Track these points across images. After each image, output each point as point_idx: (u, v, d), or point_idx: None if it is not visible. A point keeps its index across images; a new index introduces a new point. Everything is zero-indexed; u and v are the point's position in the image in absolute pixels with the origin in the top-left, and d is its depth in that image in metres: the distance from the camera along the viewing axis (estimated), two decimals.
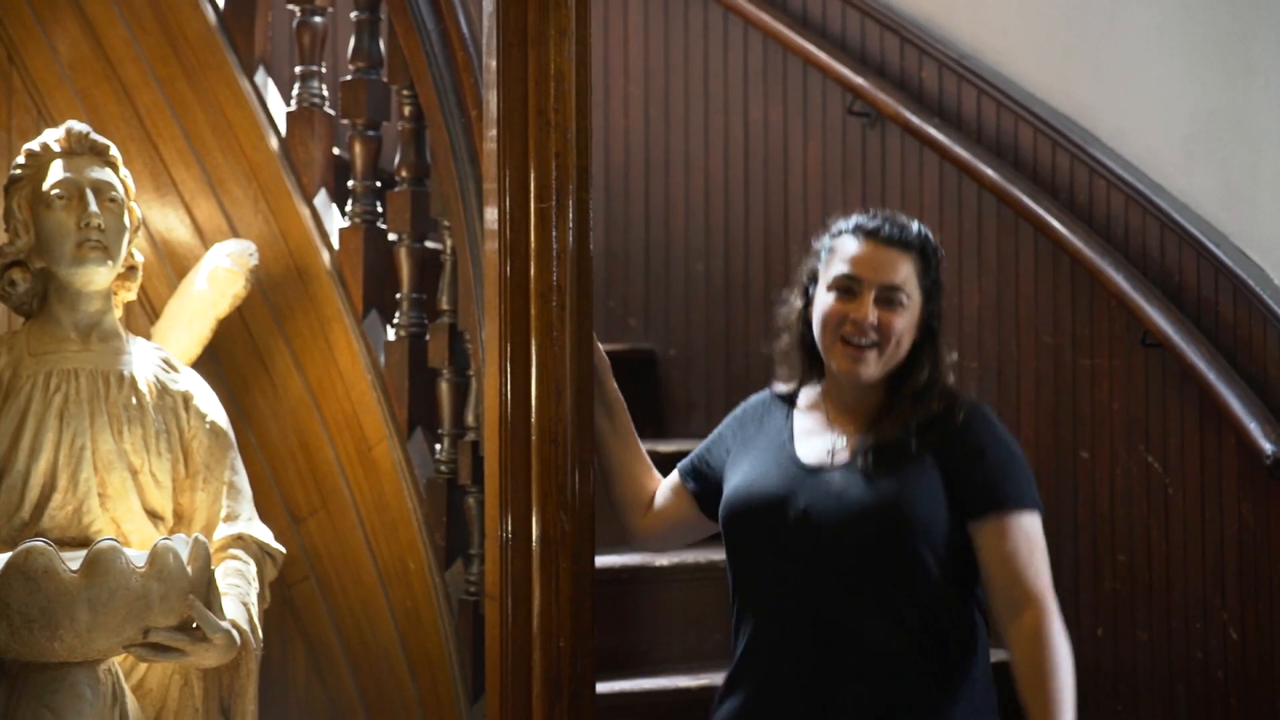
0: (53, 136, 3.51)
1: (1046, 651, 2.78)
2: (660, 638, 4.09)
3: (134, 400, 3.48)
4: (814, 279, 2.96)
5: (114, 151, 3.54)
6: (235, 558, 3.46)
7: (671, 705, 3.83)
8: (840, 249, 2.91)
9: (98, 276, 3.46)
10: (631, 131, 5.07)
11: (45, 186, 3.46)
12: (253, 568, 3.46)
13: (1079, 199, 4.25)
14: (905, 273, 2.88)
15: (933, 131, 4.42)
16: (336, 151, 4.10)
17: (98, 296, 3.50)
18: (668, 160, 5.00)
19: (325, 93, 4.05)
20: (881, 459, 2.83)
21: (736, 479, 2.95)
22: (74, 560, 3.10)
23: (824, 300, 2.90)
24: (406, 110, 3.89)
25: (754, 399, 3.08)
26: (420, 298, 3.90)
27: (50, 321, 3.49)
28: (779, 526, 2.84)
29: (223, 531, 3.49)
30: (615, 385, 3.16)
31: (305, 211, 3.96)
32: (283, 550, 3.55)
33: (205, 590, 3.19)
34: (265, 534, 3.54)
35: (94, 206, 3.43)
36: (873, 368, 2.87)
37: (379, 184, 3.99)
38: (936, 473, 2.81)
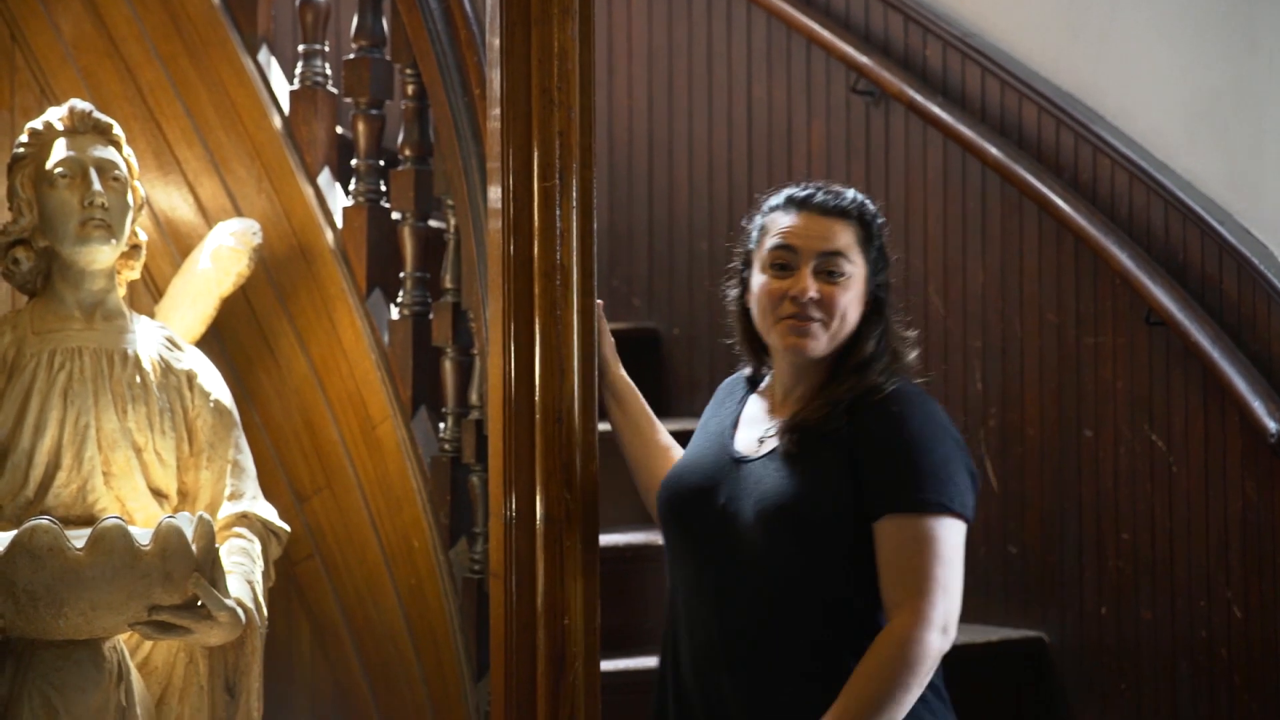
0: (56, 115, 3.51)
1: (893, 656, 2.45)
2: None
3: (138, 379, 3.48)
4: (748, 263, 2.76)
5: (117, 130, 3.54)
6: (240, 536, 3.46)
7: None
8: (772, 224, 2.70)
9: (101, 255, 3.46)
10: (635, 110, 5.06)
11: (48, 165, 3.45)
12: (257, 546, 3.47)
13: (1083, 177, 4.24)
14: (844, 240, 2.65)
15: (936, 110, 4.41)
16: (340, 130, 4.10)
17: (101, 275, 3.49)
18: (671, 139, 4.99)
19: (328, 71, 4.05)
20: (802, 446, 2.60)
21: (674, 466, 2.81)
22: (79, 538, 3.10)
23: (759, 280, 2.68)
24: (410, 89, 3.89)
25: (728, 380, 2.92)
26: (424, 276, 3.90)
27: (54, 300, 3.49)
28: (701, 520, 2.66)
29: (227, 510, 3.49)
30: (624, 373, 3.04)
31: (309, 190, 3.96)
32: (287, 528, 3.55)
33: (210, 568, 3.19)
34: (270, 512, 3.54)
35: (97, 185, 3.43)
36: (819, 342, 2.63)
37: (382, 163, 3.98)
38: (847, 463, 2.56)
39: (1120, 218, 4.17)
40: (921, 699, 2.52)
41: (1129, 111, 4.25)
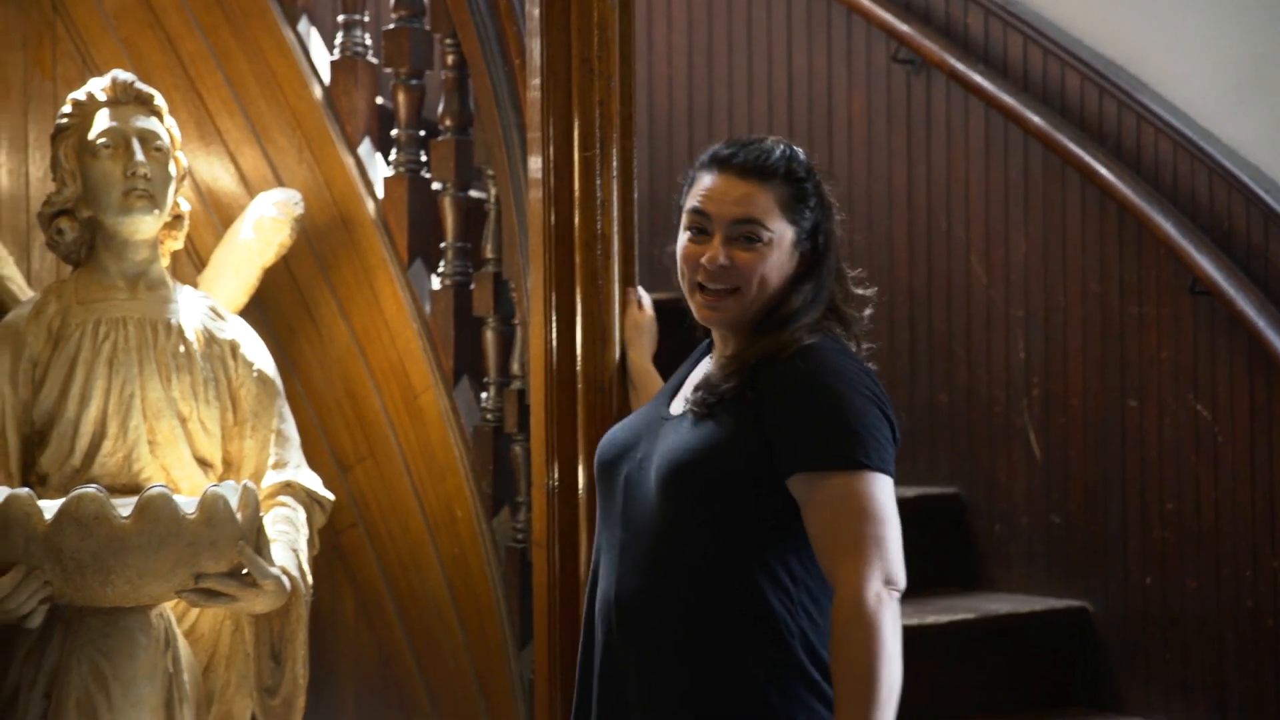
0: (98, 85, 3.52)
1: (853, 628, 2.31)
2: None
3: (182, 349, 3.49)
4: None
5: (159, 100, 3.54)
6: (284, 505, 3.48)
7: None
8: (697, 183, 2.55)
9: (144, 225, 3.47)
10: (675, 80, 5.05)
11: (91, 136, 3.46)
12: (301, 514, 3.48)
13: (1126, 145, 4.21)
14: (763, 205, 2.49)
15: (978, 79, 4.38)
16: (380, 100, 4.09)
17: (144, 245, 3.51)
18: (711, 109, 4.97)
19: (368, 41, 4.05)
20: (709, 406, 2.47)
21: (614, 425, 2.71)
22: (125, 507, 3.12)
23: (680, 241, 2.56)
24: (449, 59, 3.88)
25: (701, 346, 2.77)
26: (465, 246, 3.90)
27: (98, 270, 3.51)
28: (616, 477, 2.55)
29: (271, 479, 3.51)
30: (648, 363, 2.95)
31: (349, 160, 3.96)
32: (331, 497, 3.57)
33: (254, 537, 3.21)
34: (314, 481, 3.55)
35: (140, 155, 3.44)
36: (731, 314, 2.51)
37: (423, 133, 3.98)
38: (753, 423, 2.43)
39: (1164, 186, 4.14)
40: (809, 708, 2.41)
41: (1172, 78, 4.22)
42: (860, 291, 2.58)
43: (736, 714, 2.40)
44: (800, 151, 2.56)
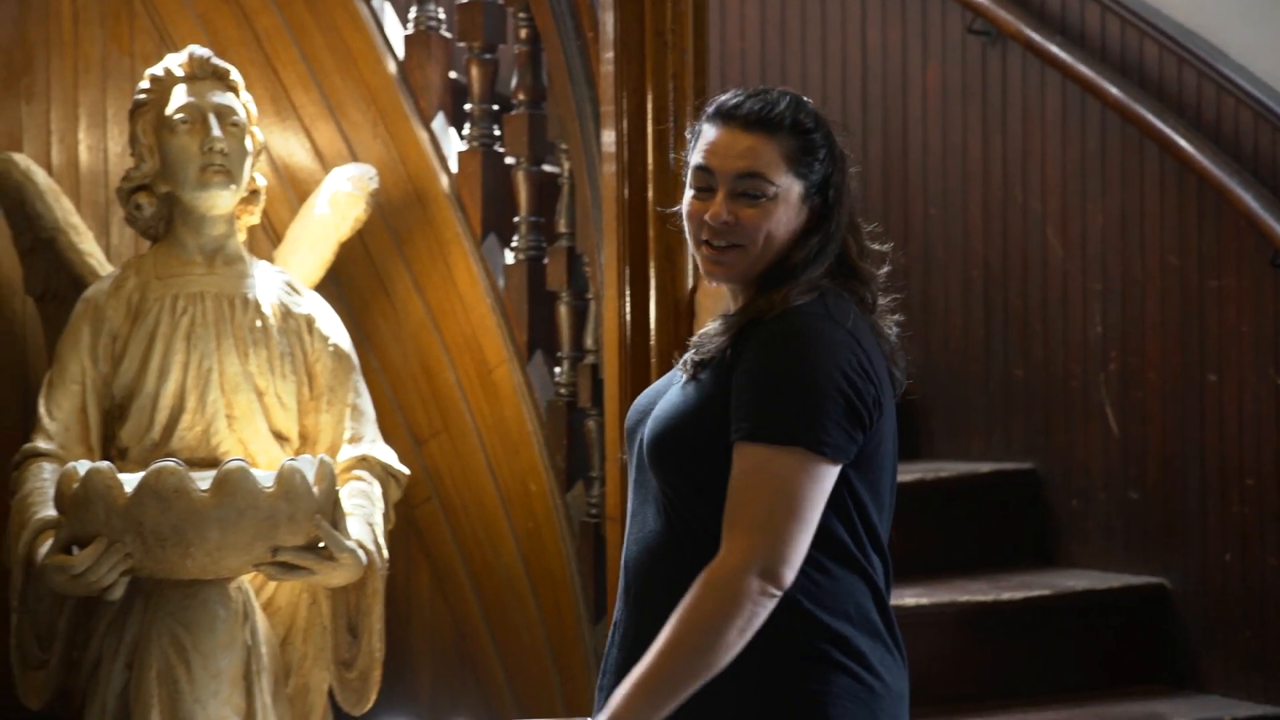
0: (175, 61, 3.54)
1: (698, 596, 2.19)
2: None
3: (259, 323, 3.52)
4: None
5: (235, 76, 3.56)
6: (359, 479, 3.50)
7: None
8: (701, 138, 2.42)
9: (221, 200, 3.49)
10: (748, 53, 5.03)
11: (168, 111, 3.49)
12: (377, 489, 3.50)
13: (1206, 116, 4.16)
14: (767, 158, 2.36)
15: (1055, 50, 4.33)
16: (453, 75, 4.10)
17: (221, 220, 3.53)
18: (784, 82, 4.95)
19: (442, 16, 4.05)
20: (698, 365, 2.36)
21: None
22: (203, 480, 3.15)
23: (686, 197, 2.43)
24: (523, 33, 3.88)
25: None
26: (538, 221, 3.90)
27: (176, 245, 3.54)
28: (635, 445, 2.43)
29: (347, 453, 3.53)
30: None
31: (423, 135, 3.97)
32: (406, 471, 3.58)
33: (331, 510, 3.23)
34: (389, 455, 3.57)
35: (217, 131, 3.46)
36: (737, 269, 2.38)
37: (496, 107, 3.98)
38: (727, 388, 2.31)
39: (1245, 157, 4.08)
40: (835, 679, 2.25)
41: (1252, 49, 4.16)
42: (877, 247, 2.45)
43: (736, 687, 2.26)
44: (809, 101, 2.43)
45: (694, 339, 2.39)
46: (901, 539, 4.14)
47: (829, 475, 2.23)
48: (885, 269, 2.44)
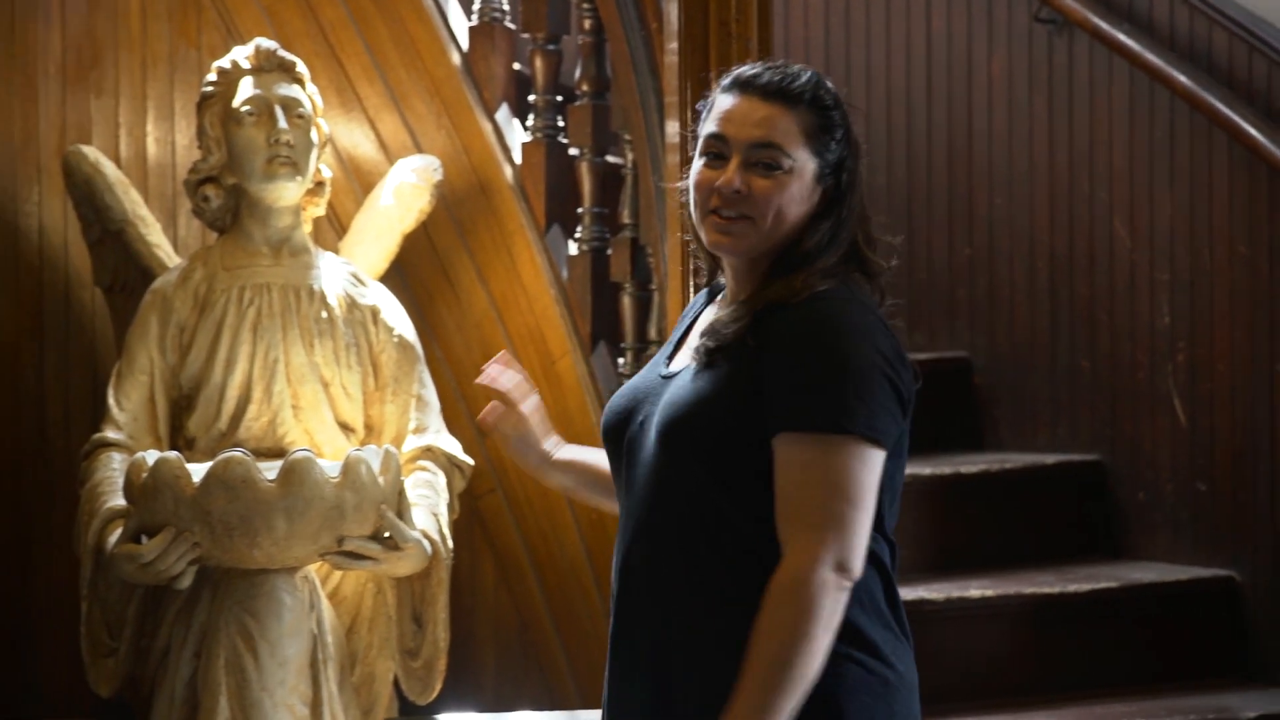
0: (242, 54, 3.56)
1: (784, 604, 2.12)
2: None
3: (324, 314, 3.54)
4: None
5: (301, 68, 3.58)
6: (424, 469, 3.51)
7: None
8: (716, 107, 2.32)
9: (287, 192, 3.51)
10: (811, 42, 5.01)
11: (235, 103, 3.51)
12: (442, 479, 3.51)
13: (1276, 104, 4.11)
14: (784, 129, 2.27)
15: (1122, 38, 4.30)
16: (517, 66, 4.11)
17: (288, 212, 3.55)
18: (848, 71, 4.93)
19: (506, 7, 4.06)
20: (714, 357, 2.25)
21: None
22: (270, 470, 3.17)
23: (695, 167, 2.32)
24: (587, 23, 3.88)
25: (697, 296, 2.52)
26: (602, 212, 3.90)
27: (242, 237, 3.56)
28: (622, 440, 2.33)
29: (412, 443, 3.54)
30: (559, 449, 2.54)
31: (487, 126, 3.98)
32: (471, 462, 3.59)
33: (396, 501, 3.24)
34: (454, 446, 3.58)
35: (283, 123, 3.48)
36: (746, 241, 2.28)
37: (559, 98, 3.99)
38: (754, 374, 2.22)
39: None
40: (848, 671, 2.19)
41: None
42: (887, 239, 2.36)
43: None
44: (829, 80, 2.34)
45: (706, 326, 2.30)
46: (966, 530, 4.17)
47: (880, 461, 2.19)
48: (894, 262, 2.35)
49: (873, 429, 2.16)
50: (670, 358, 2.39)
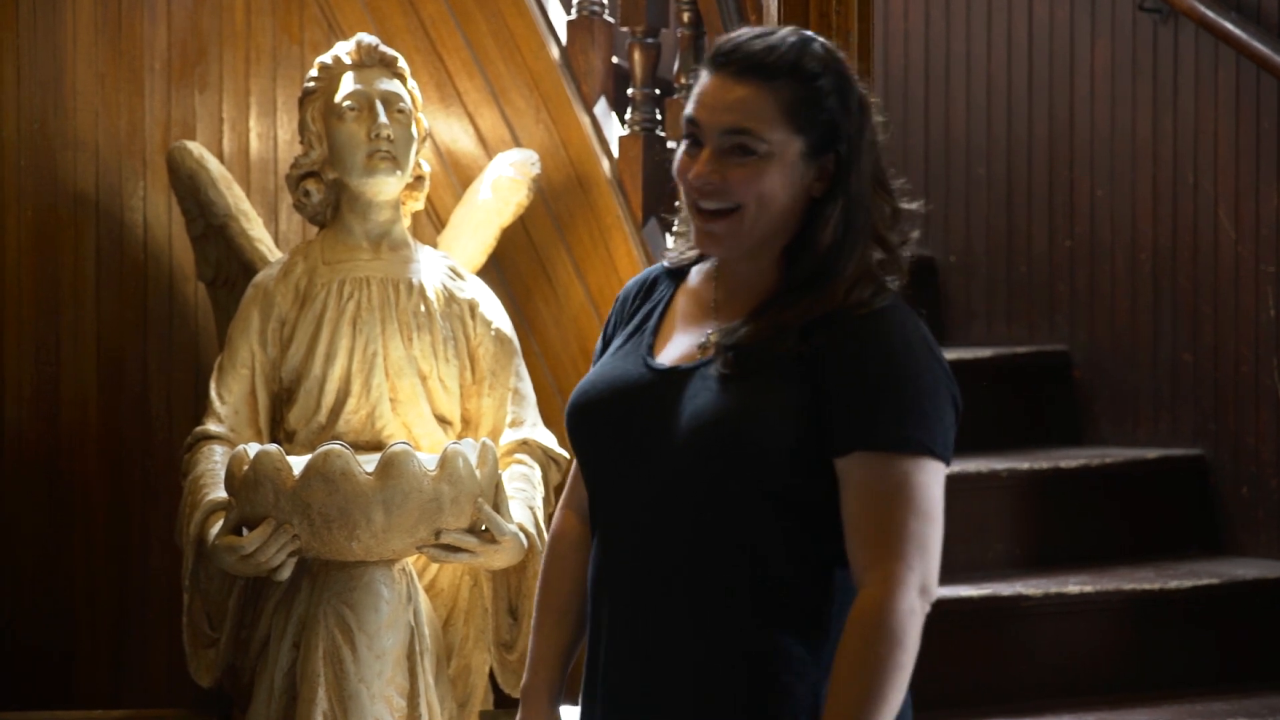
0: (343, 49, 3.60)
1: (874, 635, 2.02)
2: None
3: (422, 308, 3.56)
4: None
5: (402, 63, 3.61)
6: (521, 463, 3.53)
7: (955, 615, 3.77)
8: (695, 85, 2.14)
9: (387, 186, 3.54)
10: (911, 34, 4.98)
11: (337, 99, 3.54)
12: (538, 472, 3.53)
13: None
14: (758, 111, 2.07)
15: (1229, 26, 4.24)
16: (615, 60, 4.11)
17: (387, 206, 3.58)
18: (948, 62, 4.90)
19: (604, 1, 4.06)
20: (747, 360, 2.10)
21: (581, 382, 2.25)
22: (369, 463, 3.20)
23: (678, 151, 2.15)
24: (685, 17, 3.88)
25: (636, 278, 2.32)
26: None
27: (342, 231, 3.60)
28: (611, 439, 2.16)
29: (508, 437, 3.56)
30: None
31: (585, 120, 3.99)
32: (566, 455, 3.61)
33: (493, 494, 3.27)
34: (549, 439, 3.60)
35: (384, 118, 3.51)
36: (733, 241, 2.11)
37: (658, 92, 3.99)
38: (809, 388, 2.08)
39: None
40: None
41: None
42: (907, 205, 2.17)
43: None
44: (820, 42, 2.13)
45: (723, 328, 2.14)
46: (1065, 526, 4.14)
47: (943, 480, 2.11)
48: (915, 233, 2.18)
49: (947, 449, 2.10)
50: (651, 347, 2.20)
